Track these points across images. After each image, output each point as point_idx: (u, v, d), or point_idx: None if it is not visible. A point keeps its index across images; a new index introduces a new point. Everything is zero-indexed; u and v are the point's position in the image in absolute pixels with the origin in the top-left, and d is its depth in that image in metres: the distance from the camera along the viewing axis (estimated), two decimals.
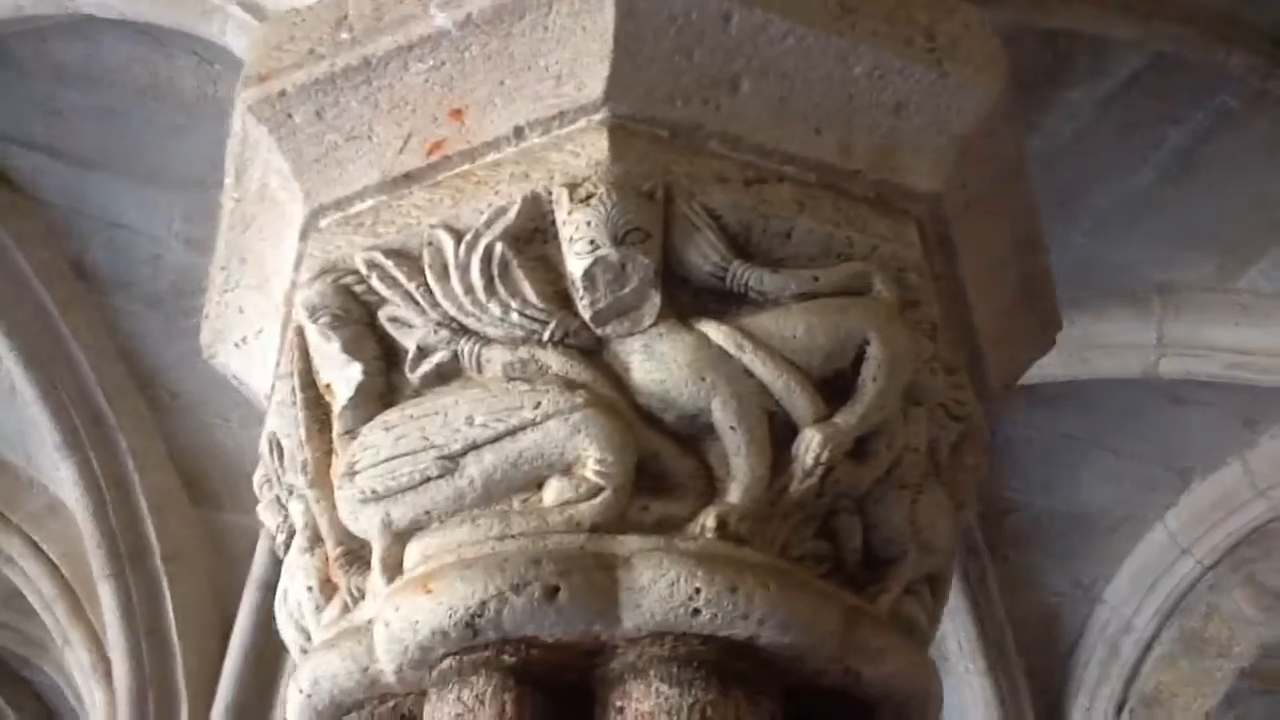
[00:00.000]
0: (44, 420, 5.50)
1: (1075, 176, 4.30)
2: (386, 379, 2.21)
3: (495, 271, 2.11)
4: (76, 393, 5.47)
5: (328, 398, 2.27)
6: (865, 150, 2.24)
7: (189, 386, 5.44)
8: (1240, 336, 5.11)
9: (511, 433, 2.06)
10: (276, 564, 5.44)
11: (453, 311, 2.14)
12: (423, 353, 2.17)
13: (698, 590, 1.97)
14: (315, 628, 2.31)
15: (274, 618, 5.35)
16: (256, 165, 2.39)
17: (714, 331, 2.09)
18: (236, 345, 2.65)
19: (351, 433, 2.21)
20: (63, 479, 5.66)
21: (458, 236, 2.14)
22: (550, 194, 2.11)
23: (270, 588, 5.49)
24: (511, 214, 2.12)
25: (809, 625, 2.02)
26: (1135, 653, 6.33)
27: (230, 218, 2.53)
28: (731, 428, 2.06)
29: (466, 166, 2.22)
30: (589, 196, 2.07)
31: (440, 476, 2.09)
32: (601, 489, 2.03)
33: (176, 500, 5.71)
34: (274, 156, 2.32)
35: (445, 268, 2.14)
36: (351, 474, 2.17)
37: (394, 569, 2.13)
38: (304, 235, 2.33)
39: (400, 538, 2.13)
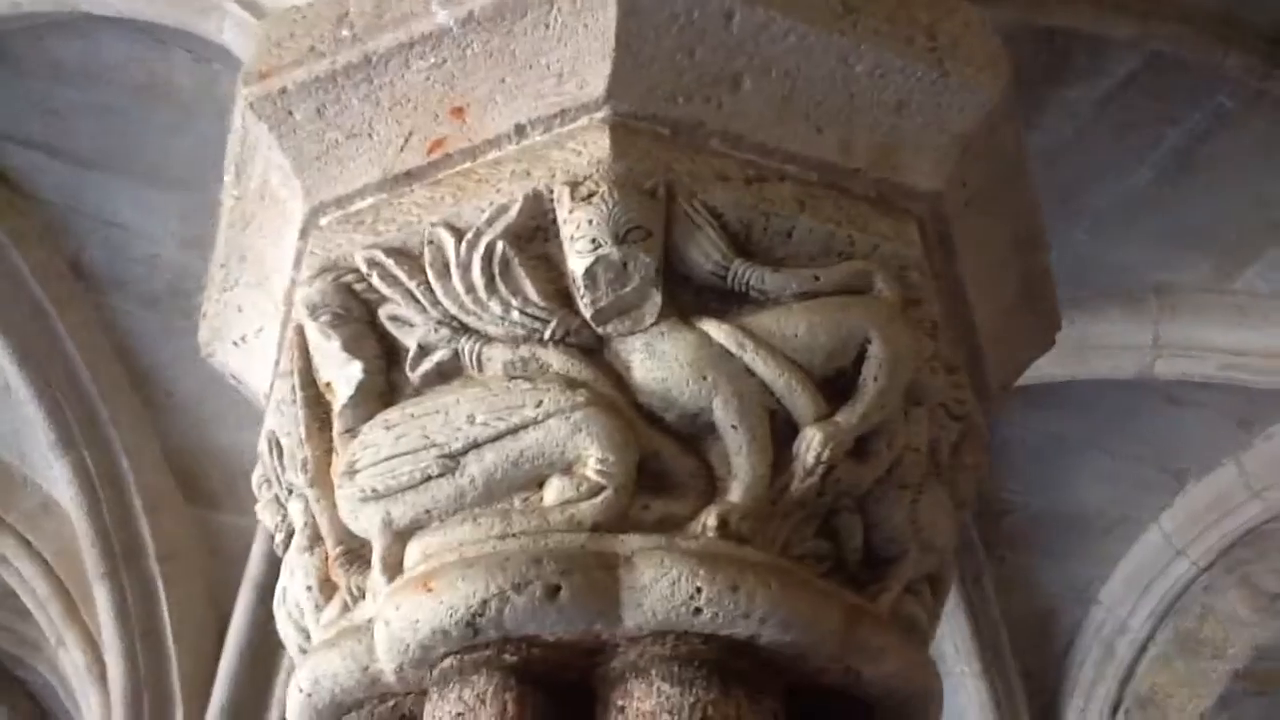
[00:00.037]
0: (39, 419, 5.49)
1: (1072, 176, 4.31)
2: (387, 377, 2.21)
3: (496, 270, 2.10)
4: (71, 391, 5.45)
5: (328, 396, 2.27)
6: (866, 149, 2.24)
7: (185, 386, 5.43)
8: (1236, 338, 5.12)
9: (513, 431, 2.06)
10: (272, 564, 5.47)
11: (453, 310, 2.13)
12: (423, 351, 2.17)
13: (699, 589, 1.97)
14: (315, 627, 2.31)
15: (270, 618, 5.33)
16: (257, 163, 2.39)
17: (715, 330, 2.09)
18: (235, 344, 2.64)
19: (352, 431, 2.20)
20: (57, 478, 5.64)
21: (459, 235, 2.13)
22: (552, 192, 2.11)
23: (266, 588, 5.50)
24: (513, 212, 2.11)
25: (810, 624, 2.02)
26: (1130, 654, 6.33)
27: (230, 215, 2.52)
28: (733, 426, 2.06)
29: (468, 164, 2.22)
30: (590, 195, 2.07)
31: (441, 475, 2.08)
32: (603, 488, 2.03)
33: (171, 500, 5.69)
34: (274, 154, 2.32)
35: (446, 266, 2.13)
36: (352, 473, 2.16)
37: (394, 568, 2.13)
38: (304, 233, 2.32)
39: (401, 536, 2.13)
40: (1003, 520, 5.96)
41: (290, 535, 2.43)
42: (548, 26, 2.16)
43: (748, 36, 2.15)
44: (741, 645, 1.99)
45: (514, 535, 2.03)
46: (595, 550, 2.00)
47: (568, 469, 2.05)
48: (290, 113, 2.27)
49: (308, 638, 2.35)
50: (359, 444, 2.17)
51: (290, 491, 2.40)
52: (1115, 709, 6.36)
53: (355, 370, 2.20)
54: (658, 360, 2.07)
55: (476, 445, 2.07)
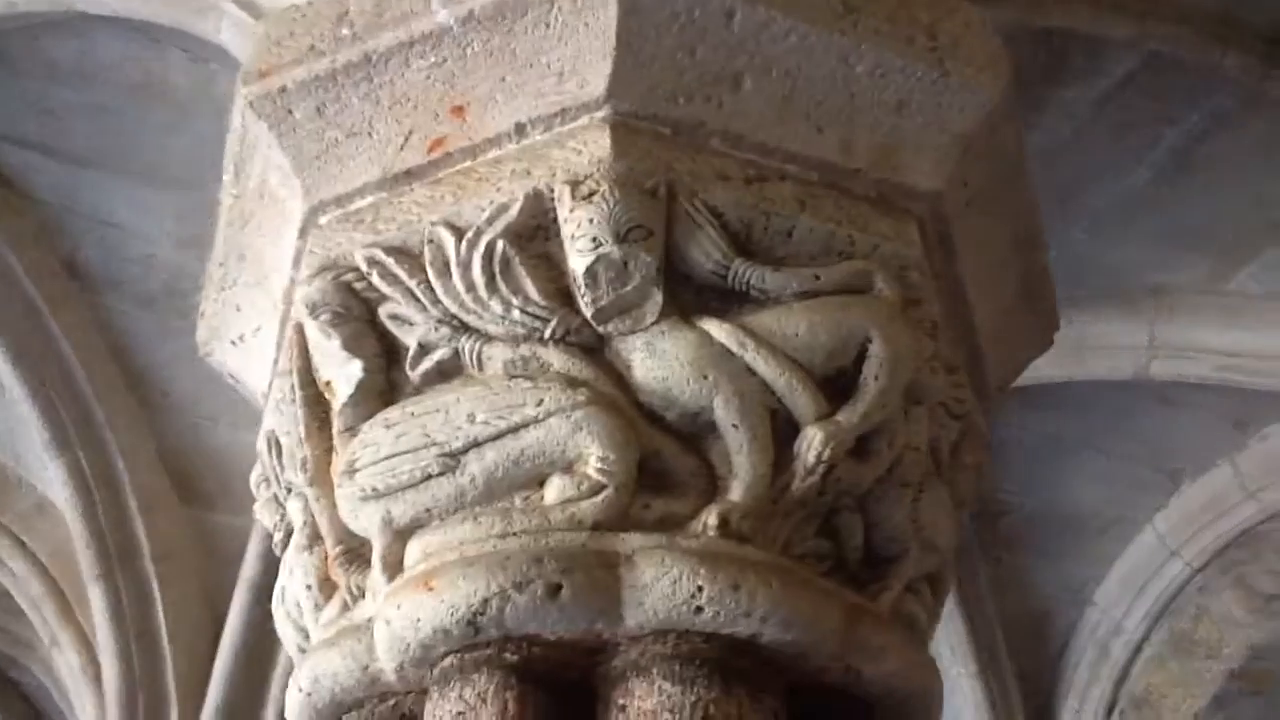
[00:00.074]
0: (33, 419, 5.48)
1: (1070, 177, 4.32)
2: (387, 376, 2.21)
3: (497, 269, 2.10)
4: (66, 391, 5.44)
5: (327, 395, 2.27)
6: (867, 149, 2.24)
7: (181, 386, 5.42)
8: (1232, 339, 5.13)
9: (513, 430, 2.06)
10: (268, 565, 5.48)
11: (454, 309, 2.13)
12: (424, 350, 2.16)
13: (700, 588, 1.97)
14: (314, 626, 2.30)
15: (265, 619, 5.32)
16: (256, 161, 2.39)
17: (716, 329, 2.09)
18: (233, 343, 2.64)
19: (352, 430, 2.20)
20: (51, 478, 5.63)
21: (459, 234, 2.13)
22: (552, 191, 2.11)
23: (261, 589, 5.50)
24: (513, 211, 2.11)
25: (811, 623, 2.02)
26: (1125, 654, 6.34)
27: (229, 214, 2.52)
28: (734, 426, 2.06)
29: (468, 163, 2.22)
30: (591, 194, 2.07)
31: (441, 474, 2.08)
32: (603, 487, 2.02)
33: (167, 500, 5.68)
34: (274, 153, 2.32)
35: (446, 265, 2.13)
36: (352, 471, 2.16)
37: (394, 567, 2.12)
38: (303, 232, 2.32)
39: (401, 535, 2.13)
40: (999, 521, 5.97)
41: (289, 534, 2.43)
42: (548, 25, 2.15)
43: (748, 36, 2.15)
44: (743, 644, 1.99)
45: (515, 534, 2.03)
46: (596, 549, 1.99)
47: (569, 468, 2.05)
48: (290, 111, 2.27)
49: (307, 637, 2.35)
50: (359, 443, 2.17)
51: (289, 491, 2.39)
52: (1110, 710, 6.37)
53: (355, 369, 2.20)
54: (658, 359, 2.07)
55: (477, 444, 2.07)
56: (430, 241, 2.15)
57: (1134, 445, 5.80)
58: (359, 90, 2.24)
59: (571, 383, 2.06)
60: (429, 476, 2.09)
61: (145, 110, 4.44)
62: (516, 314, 2.10)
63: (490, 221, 2.12)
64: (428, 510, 2.10)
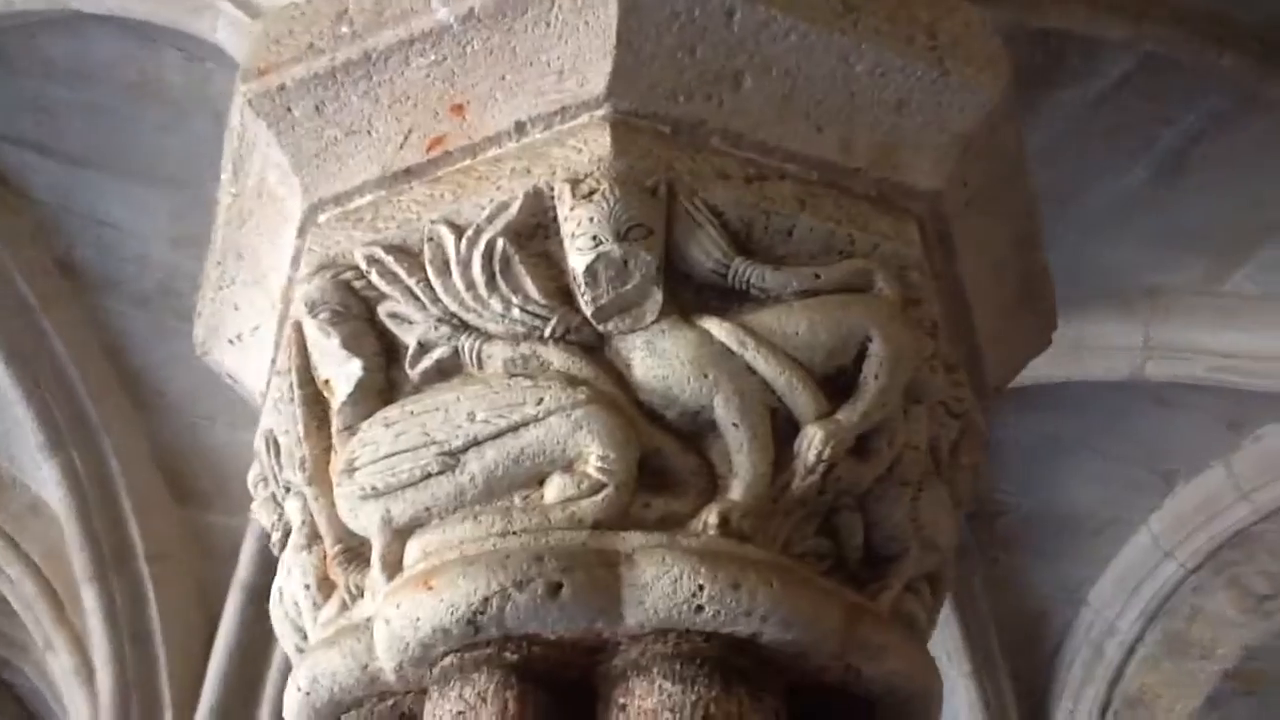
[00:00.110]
0: (27, 419, 5.47)
1: (1065, 177, 4.31)
2: (386, 375, 2.20)
3: (497, 267, 2.10)
4: (60, 392, 5.43)
5: (326, 394, 2.26)
6: (866, 148, 2.24)
7: (176, 386, 5.41)
8: (1226, 340, 5.14)
9: (513, 429, 2.05)
10: (262, 565, 5.47)
11: (453, 307, 2.13)
12: (423, 349, 2.16)
13: (701, 587, 1.96)
14: (312, 626, 2.30)
15: (260, 619, 5.31)
16: (255, 160, 2.38)
17: (716, 328, 2.08)
18: (231, 342, 2.63)
19: (351, 429, 2.19)
20: (45, 479, 5.62)
21: (459, 232, 2.13)
22: (552, 189, 2.10)
23: (256, 589, 5.49)
24: (513, 209, 2.11)
25: (811, 622, 2.02)
26: (1119, 655, 6.35)
27: (227, 213, 2.51)
28: (734, 424, 2.06)
29: (467, 162, 2.22)
30: (591, 192, 2.07)
31: (441, 473, 2.08)
32: (604, 486, 2.02)
33: (161, 501, 5.67)
34: (273, 151, 2.31)
35: (446, 263, 2.13)
36: (351, 470, 2.15)
37: (394, 566, 2.12)
38: (302, 231, 2.32)
39: (400, 535, 2.12)
40: (994, 521, 5.97)
41: (287, 534, 2.42)
42: (548, 24, 2.15)
43: (749, 35, 2.15)
44: (743, 643, 1.99)
45: (515, 533, 2.03)
46: (597, 548, 1.99)
47: (569, 466, 2.04)
48: (289, 110, 2.27)
49: (305, 637, 2.35)
50: (358, 441, 2.16)
51: (287, 490, 2.39)
52: (1104, 710, 6.38)
53: (354, 367, 2.19)
54: (658, 358, 2.07)
55: (477, 443, 2.07)
56: (430, 240, 2.14)
57: (1129, 446, 5.80)
58: (358, 88, 2.24)
59: (571, 381, 2.06)
60: (428, 475, 2.08)
61: (141, 109, 4.43)
62: (516, 312, 2.10)
63: (490, 220, 2.12)
64: (427, 509, 2.09)
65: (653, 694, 1.95)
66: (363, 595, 2.19)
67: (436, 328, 2.14)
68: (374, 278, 2.18)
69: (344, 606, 2.22)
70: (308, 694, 2.19)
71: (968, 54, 2.24)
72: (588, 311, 2.08)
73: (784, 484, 2.08)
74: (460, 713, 1.98)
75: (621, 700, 1.98)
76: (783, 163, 2.20)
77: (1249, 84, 4.07)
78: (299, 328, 2.28)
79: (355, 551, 2.22)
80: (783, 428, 2.09)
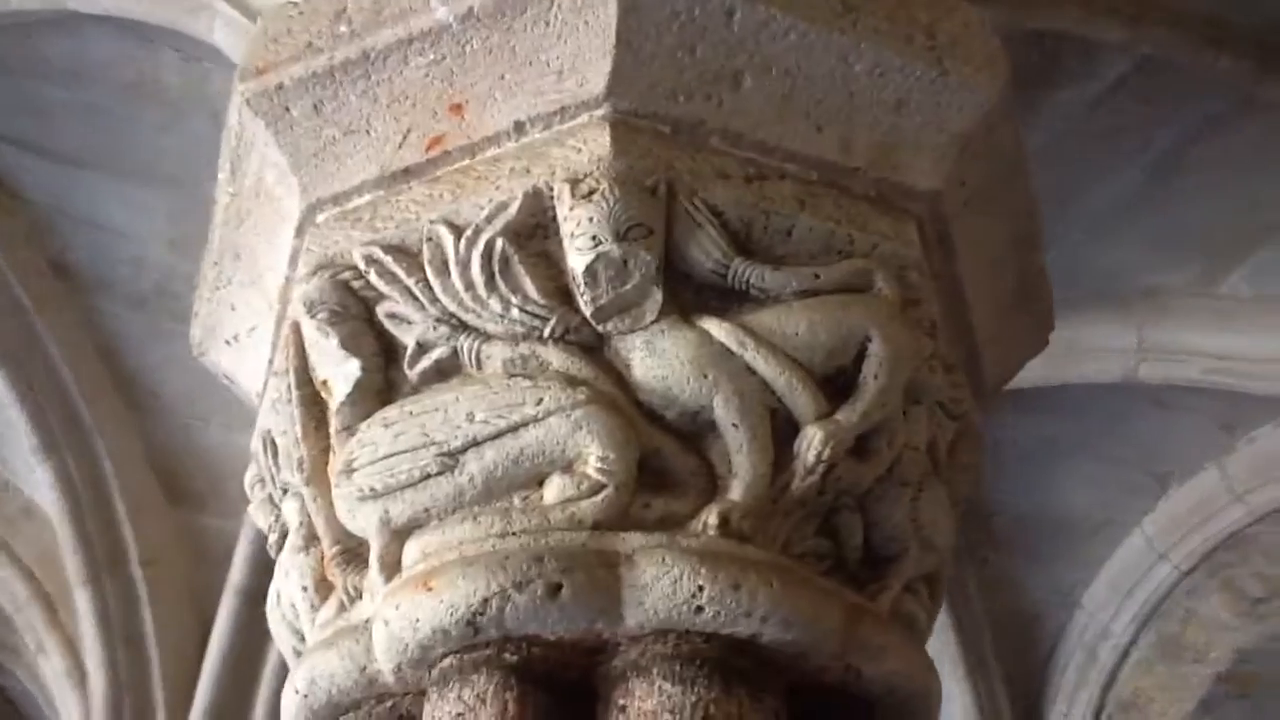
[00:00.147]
0: (20, 422, 5.47)
1: (1061, 179, 4.32)
2: (385, 375, 2.19)
3: (496, 267, 2.09)
4: (53, 394, 5.43)
5: (324, 394, 2.25)
6: (866, 148, 2.23)
7: (170, 388, 5.41)
8: (1220, 342, 5.15)
9: (513, 429, 2.05)
10: (256, 568, 5.47)
11: (452, 307, 2.12)
12: (422, 349, 2.15)
13: (701, 588, 1.96)
14: (310, 628, 2.29)
15: (253, 622, 5.30)
16: (252, 159, 2.37)
17: (716, 328, 2.08)
18: (228, 343, 2.62)
19: (349, 429, 2.19)
20: (39, 481, 5.61)
21: (458, 232, 2.12)
22: (552, 189, 2.10)
23: (249, 592, 5.49)
24: (512, 209, 2.10)
25: (811, 623, 2.01)
26: (1113, 658, 6.36)
27: (224, 213, 2.50)
28: (734, 425, 2.06)
29: (466, 162, 2.21)
30: (591, 192, 2.06)
31: (440, 473, 2.07)
32: (603, 486, 2.02)
33: (154, 503, 5.67)
34: (271, 151, 2.31)
35: (445, 263, 2.12)
36: (349, 471, 2.15)
37: (392, 567, 2.11)
38: (300, 231, 2.31)
39: (399, 535, 2.11)
40: (988, 523, 5.97)
41: (284, 536, 2.42)
42: (548, 24, 2.15)
43: (748, 34, 2.15)
44: (743, 644, 1.98)
45: (514, 534, 2.02)
46: (596, 548, 1.98)
47: (568, 467, 2.04)
48: (287, 109, 2.26)
49: (302, 639, 2.34)
50: (357, 442, 2.15)
51: (285, 491, 2.38)
52: (1097, 713, 6.39)
53: (353, 368, 2.18)
54: (658, 358, 2.06)
55: (476, 443, 2.06)
56: (429, 240, 2.14)
57: (1123, 448, 5.82)
58: (357, 88, 2.23)
59: (571, 382, 2.06)
60: (428, 476, 2.07)
61: (137, 110, 4.43)
62: (515, 313, 2.09)
63: (489, 220, 2.11)
64: (426, 510, 2.08)
65: (653, 695, 1.94)
66: (361, 597, 2.18)
67: (435, 328, 2.14)
68: (372, 278, 2.18)
69: (342, 608, 2.21)
70: (305, 696, 2.18)
71: (966, 54, 2.24)
72: (587, 312, 2.07)
73: (784, 484, 2.07)
74: (459, 714, 1.97)
75: (621, 701, 1.97)
76: (782, 162, 2.19)
77: (1245, 87, 4.09)
78: (297, 328, 2.27)
79: (353, 553, 2.21)
80: (782, 428, 2.09)
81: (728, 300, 2.12)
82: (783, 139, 2.20)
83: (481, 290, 2.10)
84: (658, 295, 2.07)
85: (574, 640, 1.99)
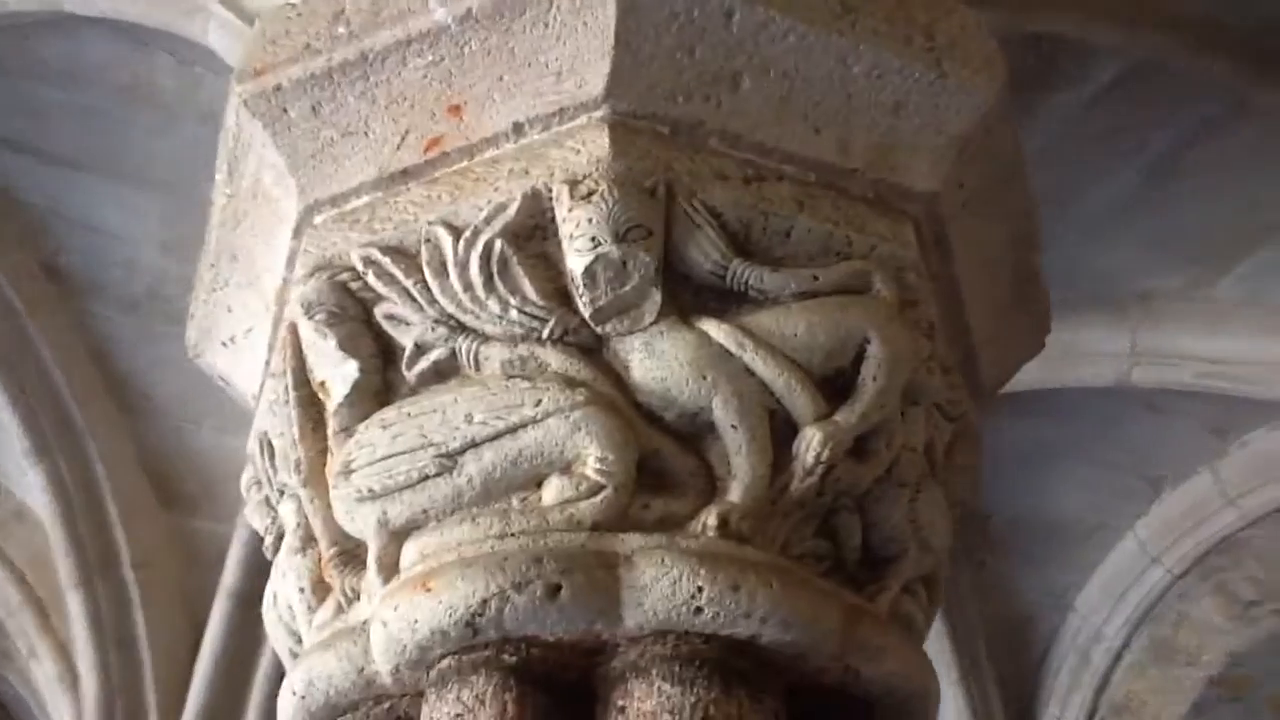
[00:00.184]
0: (12, 425, 5.45)
1: (1055, 182, 4.32)
2: (383, 377, 2.19)
3: (495, 268, 2.09)
4: (45, 397, 5.41)
5: (322, 396, 2.25)
6: (864, 149, 2.24)
7: (162, 390, 5.39)
8: (1213, 346, 5.16)
9: (511, 430, 2.05)
10: (248, 571, 5.45)
11: (451, 309, 2.12)
12: (420, 350, 2.15)
13: (700, 589, 1.96)
14: (307, 629, 2.29)
15: (245, 625, 5.28)
16: (250, 161, 2.37)
17: (715, 330, 2.08)
18: (224, 344, 2.62)
19: (347, 431, 2.18)
20: (30, 484, 5.59)
21: (456, 233, 2.12)
22: (550, 191, 2.10)
23: (242, 596, 5.47)
24: (511, 211, 2.10)
25: (811, 623, 2.01)
26: (1105, 661, 6.36)
27: (221, 214, 2.50)
28: (733, 426, 2.06)
29: (465, 163, 2.21)
30: (590, 193, 2.06)
31: (439, 475, 2.07)
32: (602, 487, 2.02)
33: (147, 506, 5.65)
34: (268, 152, 2.30)
35: (444, 265, 2.12)
36: (347, 472, 2.14)
37: (390, 568, 2.11)
38: (298, 232, 2.31)
39: (397, 537, 2.11)
40: (981, 526, 5.97)
41: (280, 537, 2.41)
42: (547, 25, 2.15)
43: (747, 36, 2.15)
44: (742, 645, 1.98)
45: (513, 535, 2.02)
46: (595, 549, 1.98)
47: (567, 468, 2.04)
48: (285, 110, 2.26)
49: (299, 641, 2.33)
50: (355, 443, 2.15)
51: (282, 493, 2.38)
52: (1090, 716, 6.39)
53: (351, 369, 2.18)
54: (657, 359, 2.06)
55: (475, 444, 2.06)
56: (427, 241, 2.14)
57: (1116, 452, 5.82)
58: (355, 89, 2.23)
59: (570, 383, 2.06)
60: (426, 477, 2.07)
61: (132, 113, 4.43)
62: (514, 314, 2.09)
63: (488, 221, 2.11)
64: (425, 511, 2.08)
65: (652, 696, 1.94)
66: (359, 598, 2.18)
67: (434, 329, 2.14)
68: (371, 279, 2.17)
69: (339, 609, 2.21)
70: (303, 698, 2.18)
71: (964, 56, 2.25)
72: (586, 313, 2.07)
73: (783, 485, 2.08)
74: (458, 715, 1.97)
75: (621, 702, 1.97)
76: (781, 164, 2.19)
77: (1240, 90, 4.10)
78: (294, 329, 2.27)
79: (351, 554, 2.21)
80: (781, 429, 2.09)
81: (726, 302, 2.12)
82: (781, 140, 2.20)
83: (480, 291, 2.10)
84: (657, 296, 2.07)
85: (573, 641, 1.99)
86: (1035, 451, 5.72)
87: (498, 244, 2.09)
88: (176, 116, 4.33)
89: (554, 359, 2.08)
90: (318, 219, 2.28)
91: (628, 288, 2.05)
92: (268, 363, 2.43)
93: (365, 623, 2.10)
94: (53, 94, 4.40)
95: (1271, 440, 5.74)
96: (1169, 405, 5.52)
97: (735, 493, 2.04)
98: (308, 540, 2.29)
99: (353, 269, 2.19)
